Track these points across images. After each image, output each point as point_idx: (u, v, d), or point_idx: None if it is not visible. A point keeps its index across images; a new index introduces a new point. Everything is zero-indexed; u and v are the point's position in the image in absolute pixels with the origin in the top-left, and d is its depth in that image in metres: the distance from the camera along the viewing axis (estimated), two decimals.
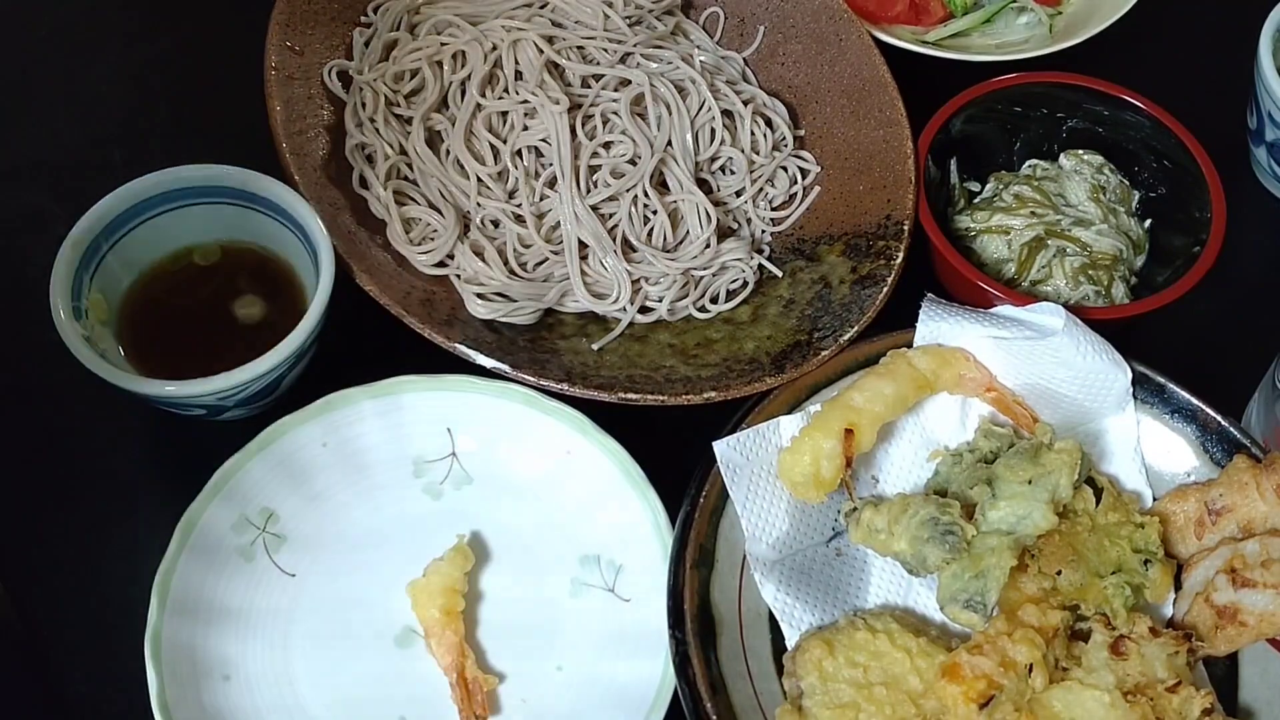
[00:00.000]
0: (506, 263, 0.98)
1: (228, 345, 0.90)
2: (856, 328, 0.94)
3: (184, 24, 1.20)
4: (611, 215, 1.00)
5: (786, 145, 1.09)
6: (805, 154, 1.09)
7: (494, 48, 1.02)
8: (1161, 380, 0.94)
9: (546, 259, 0.99)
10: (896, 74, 1.08)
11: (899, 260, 0.98)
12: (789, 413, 0.91)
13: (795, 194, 1.08)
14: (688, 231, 1.02)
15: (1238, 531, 0.89)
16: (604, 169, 1.01)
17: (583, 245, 0.99)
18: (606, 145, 1.02)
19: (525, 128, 1.00)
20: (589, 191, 1.00)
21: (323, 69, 1.03)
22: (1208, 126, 1.07)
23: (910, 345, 0.94)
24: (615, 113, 1.03)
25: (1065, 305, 0.93)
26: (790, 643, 0.86)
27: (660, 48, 1.08)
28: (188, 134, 1.10)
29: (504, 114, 1.01)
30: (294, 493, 0.90)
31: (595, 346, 0.96)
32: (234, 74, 1.03)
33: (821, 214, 1.06)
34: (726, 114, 1.07)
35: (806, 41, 1.13)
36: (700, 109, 1.05)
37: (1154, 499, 0.93)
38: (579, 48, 1.05)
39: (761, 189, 1.07)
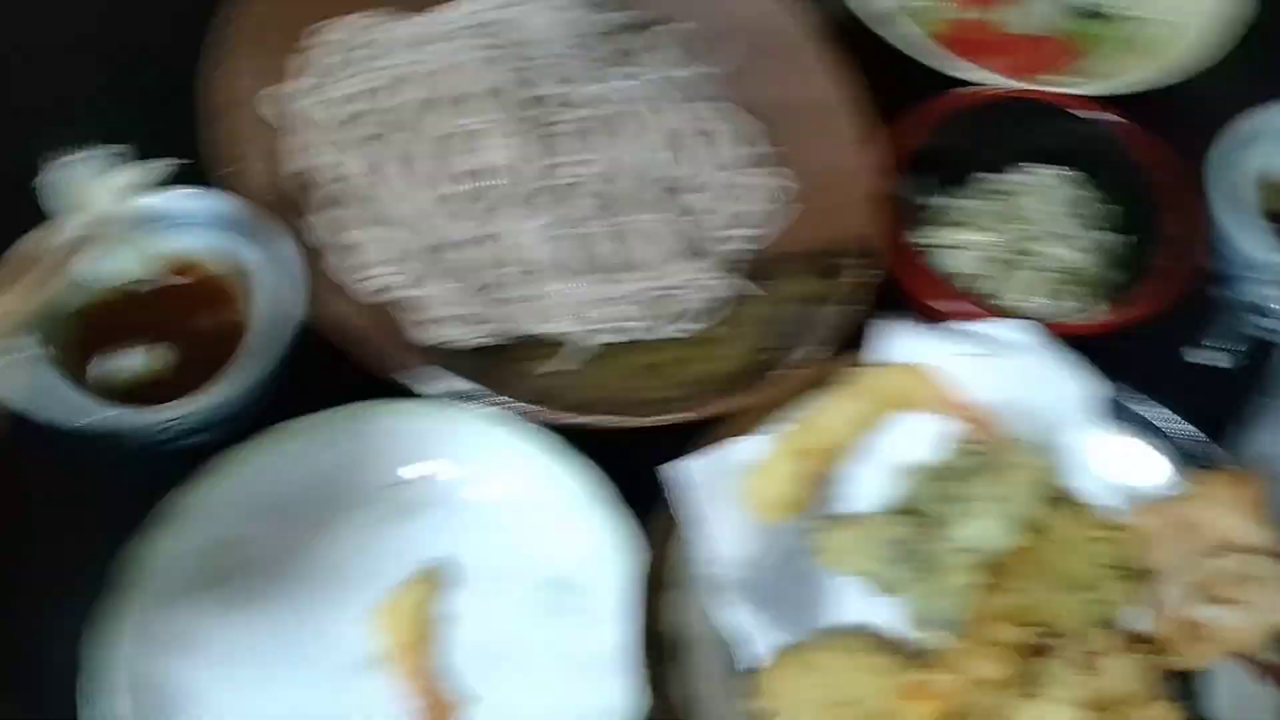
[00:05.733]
0: (464, 286, 0.97)
1: (184, 369, 0.89)
2: (822, 346, 0.94)
3: (115, 49, 1.18)
4: (569, 236, 0.99)
5: (751, 163, 1.09)
6: (770, 171, 1.09)
7: (439, 69, 1.01)
8: (1132, 394, 0.94)
9: (505, 282, 0.98)
10: (887, 86, 1.08)
11: (864, 278, 0.98)
12: (756, 432, 0.91)
13: (759, 212, 1.07)
14: (649, 251, 1.01)
15: (1209, 546, 0.88)
16: (560, 189, 1.00)
17: (538, 268, 0.98)
18: (571, 164, 1.01)
19: (473, 150, 0.99)
20: (544, 212, 0.99)
21: (262, 94, 1.02)
22: (1180, 137, 1.07)
23: (878, 363, 0.94)
24: (581, 130, 1.02)
25: (1035, 320, 0.93)
26: (756, 664, 0.85)
27: (622, 64, 1.07)
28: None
29: (451, 136, 1.00)
30: (251, 521, 0.89)
31: (555, 369, 0.96)
32: (169, 100, 1.01)
33: (790, 232, 1.06)
34: (691, 132, 1.06)
35: (776, 59, 1.13)
36: (663, 127, 1.05)
37: (1125, 513, 0.92)
38: (535, 66, 1.04)
39: (724, 207, 1.06)
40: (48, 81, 1.15)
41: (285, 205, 0.99)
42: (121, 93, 1.14)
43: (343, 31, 1.06)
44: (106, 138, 1.08)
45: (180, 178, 0.92)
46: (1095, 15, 1.24)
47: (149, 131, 1.08)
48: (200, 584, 0.87)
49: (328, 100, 1.01)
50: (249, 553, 0.89)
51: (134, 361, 0.91)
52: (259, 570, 0.89)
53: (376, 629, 0.87)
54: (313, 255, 0.97)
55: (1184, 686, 0.86)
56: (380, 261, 0.97)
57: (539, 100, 1.03)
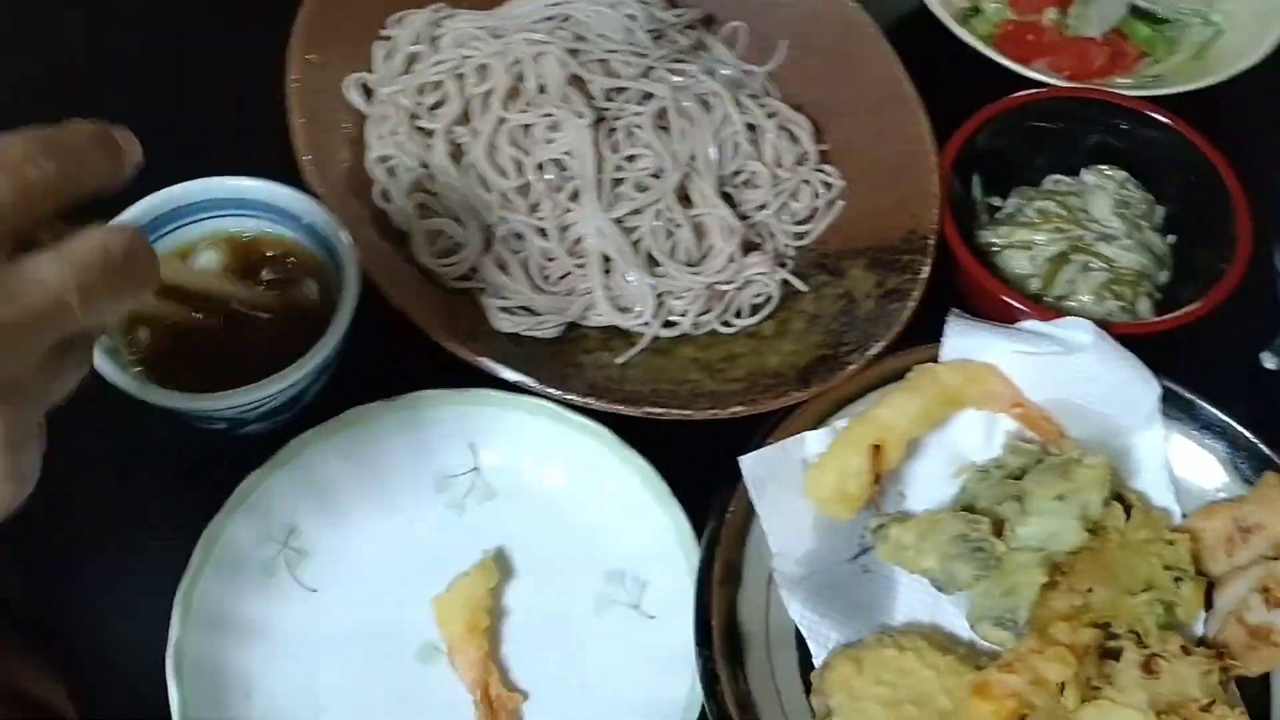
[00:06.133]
0: (530, 276, 0.97)
1: (250, 354, 0.89)
2: (883, 342, 0.94)
3: (201, 38, 1.20)
4: (635, 229, 0.99)
5: (809, 159, 1.08)
6: (828, 168, 1.09)
7: (517, 61, 1.02)
8: (1190, 396, 0.93)
9: (570, 273, 0.98)
10: (946, 85, 1.08)
11: (924, 275, 0.97)
12: (815, 428, 0.91)
13: (818, 208, 1.07)
14: (711, 245, 1.01)
15: (1269, 549, 0.88)
16: (627, 182, 1.00)
17: (606, 259, 0.98)
18: (630, 158, 1.01)
19: (549, 141, 0.99)
20: (612, 205, 0.99)
21: (344, 82, 1.03)
22: (1233, 139, 1.06)
23: (936, 360, 0.93)
24: (638, 126, 1.02)
25: (1094, 320, 0.92)
26: (818, 660, 0.85)
27: (683, 61, 1.07)
28: (207, 148, 1.08)
29: (527, 127, 1.00)
30: (316, 508, 0.89)
31: (619, 360, 0.96)
32: (251, 87, 1.02)
33: (845, 228, 1.06)
34: (749, 128, 1.06)
35: (829, 56, 1.13)
36: (723, 123, 1.05)
37: (1183, 516, 0.92)
38: (602, 61, 1.04)
39: (785, 203, 1.06)
40: (131, 75, 1.17)
41: (367, 192, 0.99)
42: (207, 80, 1.16)
43: (424, 19, 1.06)
44: (194, 126, 1.11)
45: (262, 166, 0.92)
46: (1153, 18, 1.24)
47: (235, 119, 1.10)
48: (263, 569, 0.87)
49: (411, 87, 1.02)
50: (312, 539, 0.89)
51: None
52: (320, 556, 0.89)
53: (435, 618, 0.87)
54: (395, 241, 0.97)
55: (1248, 691, 0.86)
56: (459, 248, 0.98)
57: (614, 93, 1.03)
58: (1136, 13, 1.24)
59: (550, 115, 1.00)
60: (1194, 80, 1.15)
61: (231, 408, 0.85)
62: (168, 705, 0.79)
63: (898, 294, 0.97)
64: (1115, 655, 0.83)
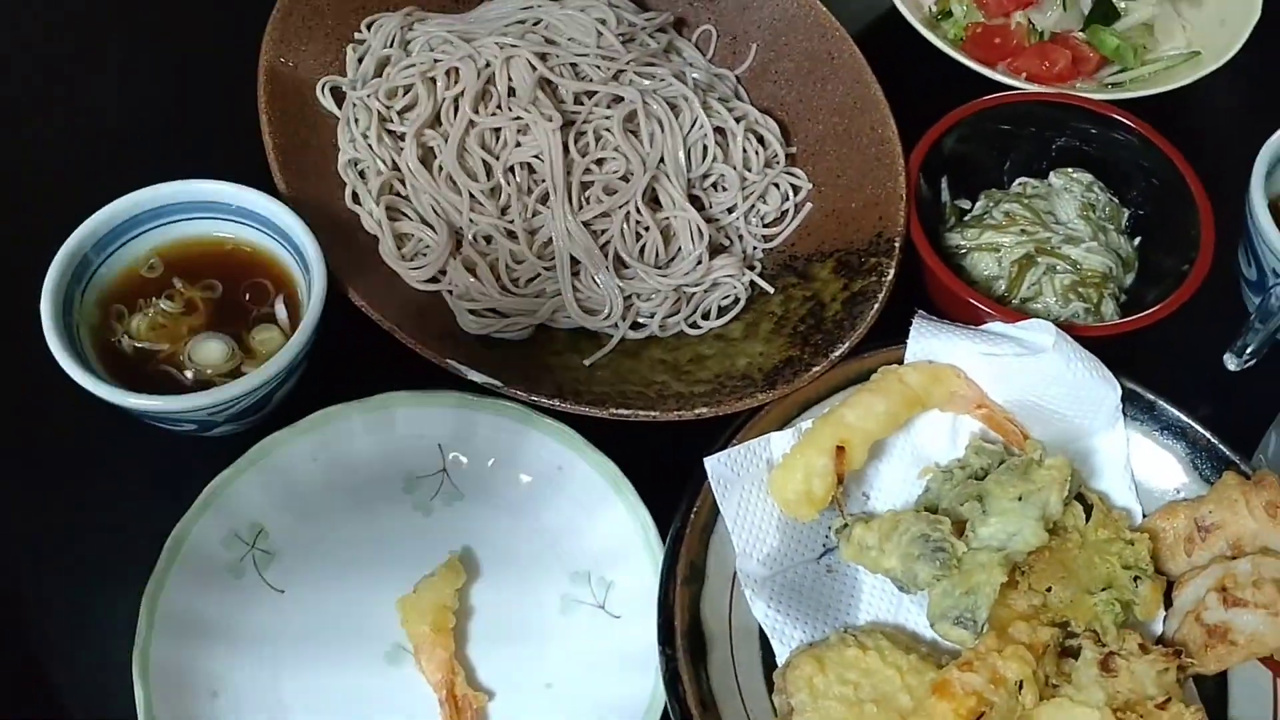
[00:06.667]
0: (499, 278, 0.98)
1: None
2: (848, 344, 0.94)
3: (176, 40, 1.20)
4: (604, 231, 1.00)
5: (778, 162, 1.09)
6: (797, 171, 1.10)
7: (487, 64, 1.02)
8: (1151, 397, 0.94)
9: (539, 275, 0.99)
10: (914, 89, 1.09)
11: (890, 277, 0.98)
12: (780, 429, 0.92)
13: (787, 211, 1.08)
14: (680, 248, 1.02)
15: (1227, 549, 0.89)
16: (596, 185, 1.01)
17: (575, 261, 0.99)
18: (599, 162, 1.02)
19: (518, 144, 1.00)
20: (581, 208, 1.00)
21: (316, 85, 1.04)
22: (1198, 143, 1.07)
23: (901, 362, 0.94)
24: (608, 129, 1.03)
25: (1055, 322, 0.93)
26: (781, 659, 0.85)
27: (653, 65, 1.08)
28: (181, 150, 1.10)
29: (497, 130, 1.01)
30: (284, 509, 0.90)
31: (587, 362, 0.97)
32: (227, 90, 1.03)
33: (813, 231, 1.07)
34: (719, 131, 1.07)
35: (799, 60, 1.14)
36: (692, 126, 1.06)
37: (1144, 516, 0.93)
38: (572, 65, 1.05)
39: (753, 206, 1.07)
40: (113, 86, 1.17)
41: (337, 194, 1.00)
42: (183, 81, 1.17)
43: (396, 23, 1.07)
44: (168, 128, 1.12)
45: (234, 168, 0.93)
46: (1117, 24, 1.25)
47: (206, 120, 1.11)
48: (231, 570, 0.88)
49: (381, 90, 1.03)
50: (280, 540, 0.90)
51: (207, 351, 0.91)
52: (288, 557, 0.90)
53: (402, 618, 0.88)
54: (364, 244, 0.98)
55: (1205, 689, 0.87)
56: (428, 251, 0.98)
57: (584, 96, 1.04)
58: (1103, 17, 1.25)
59: (520, 119, 1.00)
60: (1157, 85, 1.17)
61: (200, 409, 0.86)
62: (134, 707, 0.80)
63: (864, 296, 0.98)
64: (1074, 654, 0.84)
